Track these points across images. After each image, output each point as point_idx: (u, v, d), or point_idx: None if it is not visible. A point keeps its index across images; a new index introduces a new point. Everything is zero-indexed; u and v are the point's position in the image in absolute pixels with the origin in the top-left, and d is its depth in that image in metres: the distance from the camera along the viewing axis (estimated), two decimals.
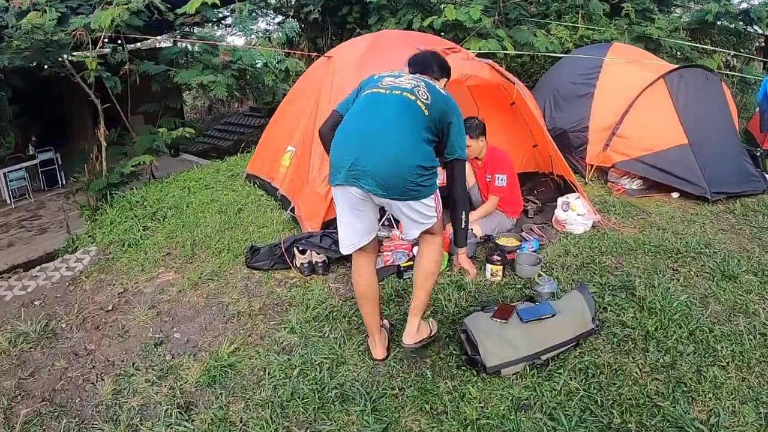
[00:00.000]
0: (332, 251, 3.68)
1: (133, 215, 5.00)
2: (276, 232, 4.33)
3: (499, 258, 3.47)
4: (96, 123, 6.01)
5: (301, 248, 3.71)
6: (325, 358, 2.78)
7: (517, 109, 4.48)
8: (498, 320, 2.66)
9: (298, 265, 3.71)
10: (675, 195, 4.67)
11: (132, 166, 5.56)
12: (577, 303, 2.77)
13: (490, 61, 4.17)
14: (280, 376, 2.70)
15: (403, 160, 2.29)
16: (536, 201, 4.53)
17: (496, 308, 2.77)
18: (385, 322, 2.94)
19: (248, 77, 6.80)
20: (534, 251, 3.77)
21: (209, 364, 2.84)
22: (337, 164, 2.42)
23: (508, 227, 4.19)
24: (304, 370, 2.72)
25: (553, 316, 2.66)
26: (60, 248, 4.98)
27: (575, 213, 4.06)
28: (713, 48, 8.61)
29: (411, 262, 3.61)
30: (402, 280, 3.52)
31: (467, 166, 4.00)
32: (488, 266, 3.46)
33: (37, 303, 3.80)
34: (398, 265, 3.65)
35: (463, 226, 2.62)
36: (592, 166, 5.04)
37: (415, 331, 2.62)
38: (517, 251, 3.68)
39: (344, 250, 2.60)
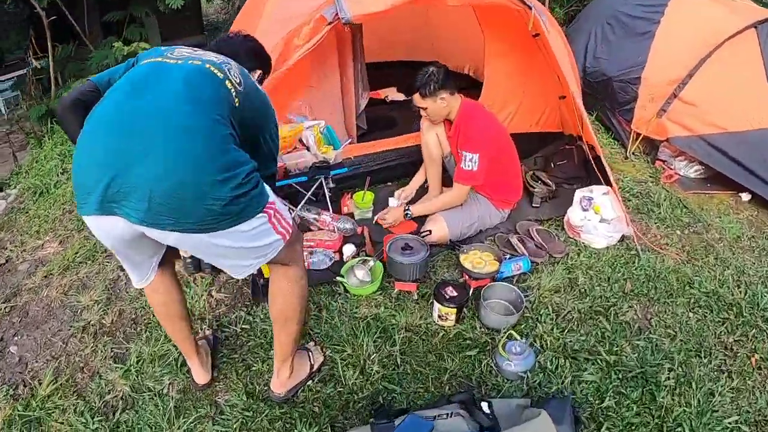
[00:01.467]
0: None
1: (64, 152, 4.02)
2: None
3: (454, 294, 2.27)
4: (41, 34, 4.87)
5: None
6: None
7: (542, 43, 2.97)
8: None
9: (182, 257, 2.59)
10: (745, 197, 3.23)
11: None
12: None
13: None
14: None
15: (201, 166, 1.39)
16: (548, 181, 3.17)
17: None
18: (208, 332, 2.28)
19: None
20: (519, 273, 2.55)
21: (14, 411, 2.00)
22: (85, 180, 1.38)
23: (495, 223, 2.92)
24: None
25: None
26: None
27: (598, 217, 2.74)
28: None
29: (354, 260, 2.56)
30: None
31: (440, 129, 2.65)
32: (436, 305, 2.28)
33: None
34: (332, 272, 2.52)
35: None
36: (638, 135, 3.57)
37: (286, 378, 1.99)
38: (492, 277, 2.46)
39: (136, 285, 1.82)
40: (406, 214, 2.79)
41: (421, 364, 2.13)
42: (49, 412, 1.99)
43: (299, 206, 2.78)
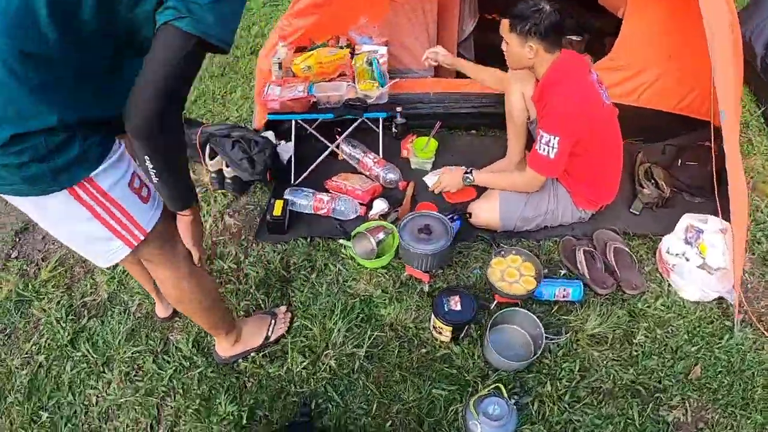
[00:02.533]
0: (245, 171, 2.31)
1: None
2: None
3: (458, 308, 1.81)
4: None
5: (210, 149, 2.39)
6: None
7: None
8: None
9: (209, 170, 2.46)
10: None
11: None
12: None
13: None
14: None
15: None
16: (663, 183, 2.31)
17: None
18: None
19: None
20: (564, 301, 1.96)
21: (16, 287, 2.14)
22: None
23: (569, 222, 2.26)
24: None
25: None
26: None
27: (700, 260, 1.95)
28: None
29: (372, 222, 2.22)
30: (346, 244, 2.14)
31: (529, 85, 2.00)
32: (433, 317, 1.85)
33: None
34: (342, 229, 2.21)
35: (156, 180, 1.15)
36: None
37: (229, 345, 1.81)
38: (522, 299, 1.92)
39: None
40: (467, 179, 2.26)
41: (379, 379, 1.79)
42: (40, 297, 2.09)
43: (340, 139, 2.40)
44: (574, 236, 2.23)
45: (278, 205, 2.25)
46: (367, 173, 2.44)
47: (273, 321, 1.91)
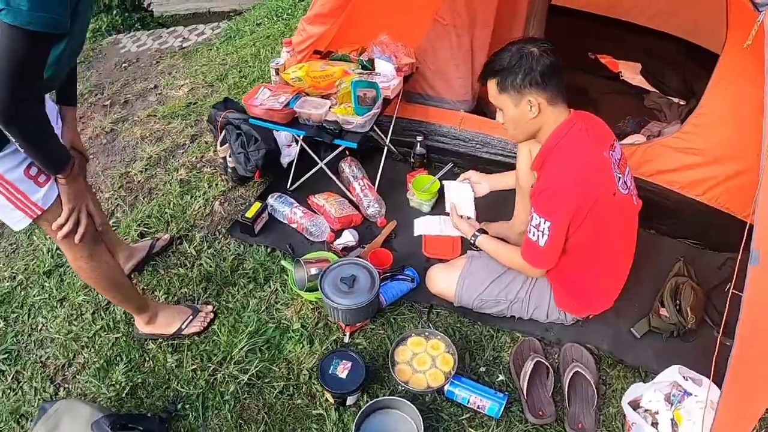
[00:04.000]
0: (239, 164, 2.36)
1: None
2: None
3: (342, 375, 1.63)
4: None
5: (224, 135, 2.47)
6: None
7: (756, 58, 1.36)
8: None
9: (219, 155, 2.55)
10: None
11: None
12: None
13: None
14: None
15: None
16: (690, 311, 1.75)
17: None
18: (164, 236, 2.29)
19: None
20: (477, 411, 1.64)
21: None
22: None
23: (545, 321, 1.86)
24: None
25: None
26: None
27: (671, 428, 1.45)
28: None
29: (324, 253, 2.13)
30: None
31: (537, 145, 1.67)
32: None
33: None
34: (290, 249, 2.19)
35: (23, 151, 1.31)
36: None
37: (143, 323, 1.91)
38: (419, 393, 1.65)
39: None
40: (474, 236, 1.87)
41: (244, 411, 1.71)
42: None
43: (329, 157, 2.29)
44: (543, 339, 1.82)
45: (254, 206, 2.25)
46: (353, 197, 2.30)
47: (191, 317, 1.95)
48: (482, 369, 1.76)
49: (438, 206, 2.31)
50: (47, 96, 1.48)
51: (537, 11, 2.38)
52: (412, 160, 2.47)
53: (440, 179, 2.27)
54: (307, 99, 2.02)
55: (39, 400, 1.79)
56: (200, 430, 1.68)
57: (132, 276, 2.12)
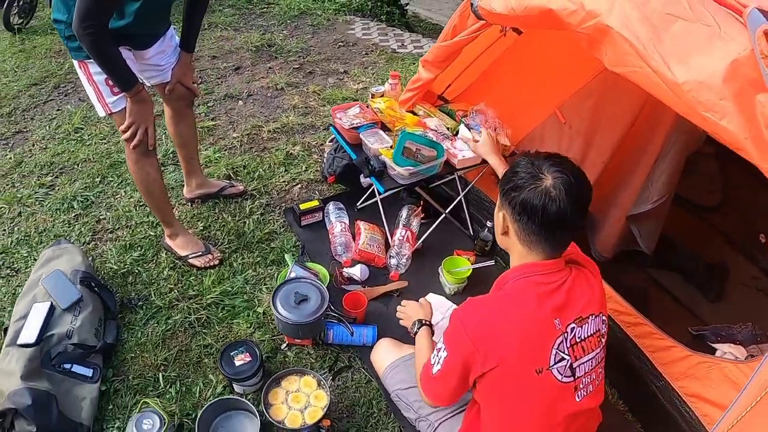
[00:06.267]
0: (325, 162, 2.60)
1: None
2: None
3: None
4: None
5: None
6: None
7: None
8: None
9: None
10: None
11: None
12: None
13: None
14: None
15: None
16: None
17: None
18: (240, 187, 2.65)
19: None
20: None
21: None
22: None
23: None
24: None
25: None
26: None
27: None
28: None
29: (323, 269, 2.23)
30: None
31: None
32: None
33: None
34: (305, 249, 2.32)
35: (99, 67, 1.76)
36: None
37: (167, 235, 2.27)
38: None
39: None
40: (415, 325, 1.71)
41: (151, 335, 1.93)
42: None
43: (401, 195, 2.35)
44: None
45: (312, 203, 2.44)
46: (392, 244, 2.32)
47: (201, 253, 2.24)
48: None
49: (462, 294, 2.20)
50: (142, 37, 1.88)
51: (671, 153, 2.04)
52: (476, 242, 2.39)
53: (472, 270, 2.16)
54: (379, 132, 2.14)
55: (73, 236, 2.33)
56: (136, 327, 1.97)
57: (194, 201, 2.52)
